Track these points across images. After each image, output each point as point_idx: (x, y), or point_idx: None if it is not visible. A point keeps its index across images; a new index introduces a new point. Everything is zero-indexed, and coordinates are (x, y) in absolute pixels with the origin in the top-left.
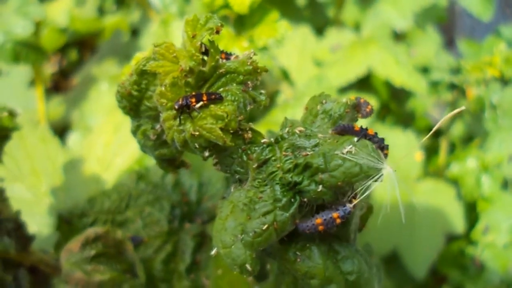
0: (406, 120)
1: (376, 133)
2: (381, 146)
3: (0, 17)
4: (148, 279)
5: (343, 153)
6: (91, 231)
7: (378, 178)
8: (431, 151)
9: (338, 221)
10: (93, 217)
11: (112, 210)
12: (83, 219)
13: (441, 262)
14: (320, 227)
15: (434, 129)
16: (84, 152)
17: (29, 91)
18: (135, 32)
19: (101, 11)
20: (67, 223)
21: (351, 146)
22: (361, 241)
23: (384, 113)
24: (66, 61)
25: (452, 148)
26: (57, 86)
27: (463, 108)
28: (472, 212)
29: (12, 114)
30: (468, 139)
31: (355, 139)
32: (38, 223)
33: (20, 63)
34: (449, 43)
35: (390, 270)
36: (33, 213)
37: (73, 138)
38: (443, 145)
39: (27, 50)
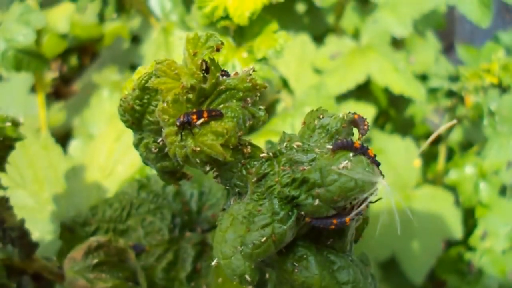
0: (405, 126)
1: (375, 155)
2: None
3: (2, 25)
4: (150, 287)
5: (339, 168)
6: (93, 240)
7: (373, 193)
8: (430, 157)
9: (348, 223)
10: (95, 226)
11: (114, 219)
12: (86, 227)
13: (440, 267)
14: (332, 226)
15: (428, 141)
16: (86, 159)
17: (30, 97)
18: (135, 39)
19: (102, 18)
20: (69, 231)
21: (346, 161)
22: (360, 247)
23: (383, 120)
24: (67, 67)
25: (452, 154)
26: (58, 92)
27: (454, 122)
28: (470, 218)
29: (15, 123)
30: (467, 145)
31: (351, 154)
32: (41, 230)
33: (21, 70)
34: (449, 49)
35: (389, 276)
36: (36, 220)
37: (74, 145)
38: (442, 151)
39: (29, 58)
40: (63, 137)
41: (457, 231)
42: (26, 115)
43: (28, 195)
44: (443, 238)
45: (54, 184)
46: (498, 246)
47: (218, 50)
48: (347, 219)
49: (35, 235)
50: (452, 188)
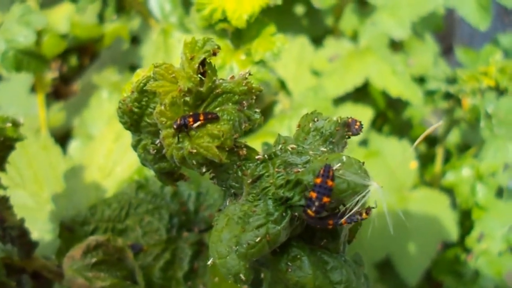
0: (403, 128)
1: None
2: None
3: (2, 26)
4: (148, 286)
5: None
6: (92, 239)
7: (365, 194)
8: (427, 159)
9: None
10: (94, 225)
11: (113, 219)
12: (84, 227)
13: (437, 269)
14: (329, 226)
15: (418, 141)
16: (86, 160)
17: (30, 97)
18: (135, 40)
19: (102, 18)
20: (68, 231)
21: (339, 163)
22: (355, 248)
23: (381, 122)
24: (67, 67)
25: (449, 156)
26: (58, 92)
27: (440, 123)
28: (467, 220)
29: (15, 124)
30: (464, 147)
31: (344, 157)
32: (40, 229)
33: (21, 71)
34: (448, 51)
35: (385, 277)
36: (35, 220)
37: (74, 145)
38: (439, 153)
39: (29, 58)
40: (62, 137)
41: (453, 233)
42: (26, 115)
43: (28, 195)
44: (439, 240)
45: (54, 184)
46: (495, 247)
47: (215, 54)
48: (343, 221)
49: (34, 235)
50: (449, 190)
